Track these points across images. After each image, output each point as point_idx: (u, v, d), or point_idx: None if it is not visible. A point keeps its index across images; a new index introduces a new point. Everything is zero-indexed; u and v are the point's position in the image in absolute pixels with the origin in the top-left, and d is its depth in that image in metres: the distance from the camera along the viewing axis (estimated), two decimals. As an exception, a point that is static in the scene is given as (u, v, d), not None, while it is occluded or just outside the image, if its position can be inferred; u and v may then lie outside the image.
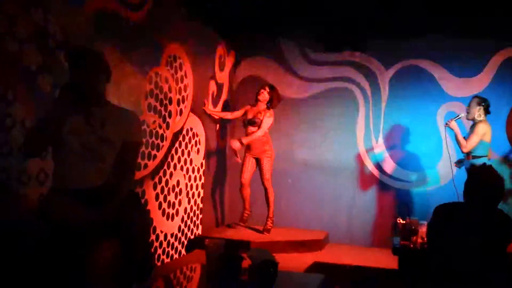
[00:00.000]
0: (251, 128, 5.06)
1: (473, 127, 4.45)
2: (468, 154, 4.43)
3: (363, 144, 5.61)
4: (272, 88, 5.12)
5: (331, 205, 5.57)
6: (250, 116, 5.09)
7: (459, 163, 4.67)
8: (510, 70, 5.13)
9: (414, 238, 3.36)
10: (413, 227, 3.37)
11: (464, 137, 4.43)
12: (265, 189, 5.10)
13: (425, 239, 3.22)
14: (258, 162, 5.11)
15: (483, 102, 4.46)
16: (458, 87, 5.29)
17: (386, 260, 4.27)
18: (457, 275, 2.57)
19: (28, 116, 2.75)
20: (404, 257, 3.35)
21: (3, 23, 2.61)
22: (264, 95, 5.05)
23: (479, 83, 5.24)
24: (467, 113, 4.53)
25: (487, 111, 4.50)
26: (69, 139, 2.39)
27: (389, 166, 5.48)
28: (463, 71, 5.29)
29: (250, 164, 5.14)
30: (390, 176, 5.47)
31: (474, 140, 4.35)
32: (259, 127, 4.98)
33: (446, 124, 4.51)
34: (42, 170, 2.84)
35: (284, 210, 5.60)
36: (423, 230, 3.37)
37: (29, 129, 2.60)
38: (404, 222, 3.47)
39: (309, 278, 2.98)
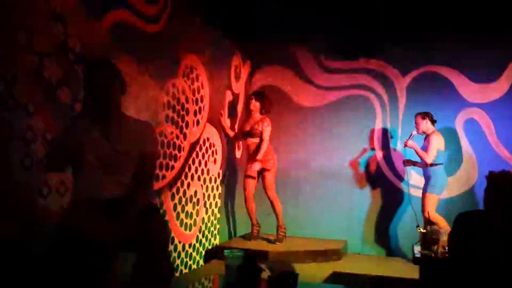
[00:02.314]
0: (250, 140, 5.03)
1: (426, 138, 4.88)
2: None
3: (381, 152, 5.57)
4: (259, 95, 5.13)
5: (349, 214, 5.52)
6: (247, 127, 5.06)
7: (407, 162, 5.05)
8: (529, 76, 5.06)
9: (435, 247, 3.30)
10: (434, 236, 3.32)
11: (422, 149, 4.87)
12: (271, 201, 5.04)
13: (447, 248, 3.16)
14: (260, 175, 5.05)
15: (426, 115, 4.88)
16: (477, 93, 5.23)
17: (406, 269, 4.23)
18: (481, 285, 2.52)
19: (49, 129, 2.78)
20: (425, 267, 3.29)
21: (24, 36, 2.66)
22: (254, 104, 5.05)
23: (498, 89, 5.16)
24: (416, 129, 4.92)
25: (433, 121, 4.90)
26: (87, 153, 2.41)
27: (408, 174, 5.42)
28: (481, 77, 5.22)
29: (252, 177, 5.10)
30: (409, 184, 5.41)
31: (433, 151, 4.76)
32: (260, 138, 4.94)
33: (404, 145, 4.89)
34: (63, 183, 2.87)
35: (302, 219, 5.57)
36: (444, 239, 3.32)
37: (51, 143, 2.64)
38: (424, 231, 3.42)
39: (328, 289, 2.95)
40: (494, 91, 5.18)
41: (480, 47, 5.17)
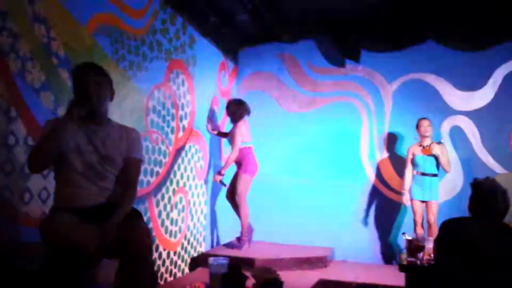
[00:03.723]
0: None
1: (426, 148, 4.82)
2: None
3: (367, 158, 5.57)
4: (232, 102, 5.04)
5: (336, 221, 5.51)
6: (227, 133, 5.08)
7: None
8: (515, 83, 5.11)
9: (421, 254, 3.30)
10: (419, 243, 3.31)
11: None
12: (236, 206, 4.92)
13: (432, 255, 3.16)
14: (235, 176, 5.00)
15: None
16: (462, 101, 5.27)
17: (392, 277, 4.22)
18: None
19: (31, 133, 2.73)
20: (411, 274, 3.29)
21: (7, 40, 2.61)
22: (226, 112, 5.04)
23: (483, 97, 5.21)
24: (424, 133, 4.85)
25: None
26: (71, 158, 2.37)
27: (394, 180, 5.44)
28: (467, 84, 5.26)
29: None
30: (395, 191, 5.41)
31: (449, 160, 4.85)
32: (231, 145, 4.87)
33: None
34: (44, 188, 2.81)
35: (288, 226, 5.54)
36: (430, 246, 3.31)
37: (34, 144, 2.58)
38: (410, 238, 3.41)
39: (314, 296, 2.93)
40: (479, 99, 5.22)
41: (466, 55, 5.23)
